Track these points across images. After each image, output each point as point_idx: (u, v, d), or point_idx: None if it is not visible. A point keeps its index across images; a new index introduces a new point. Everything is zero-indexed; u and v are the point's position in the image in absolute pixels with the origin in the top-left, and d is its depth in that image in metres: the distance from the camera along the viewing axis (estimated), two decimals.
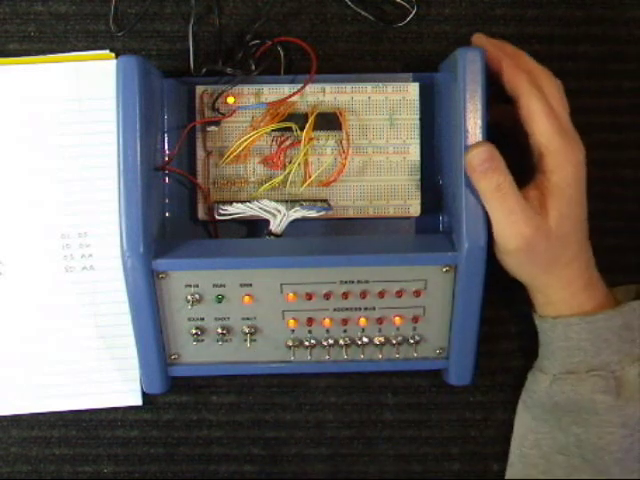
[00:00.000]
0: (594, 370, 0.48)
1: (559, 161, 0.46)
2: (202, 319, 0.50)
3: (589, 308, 0.48)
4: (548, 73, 0.48)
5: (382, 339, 0.50)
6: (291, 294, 0.49)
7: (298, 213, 0.50)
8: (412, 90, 0.52)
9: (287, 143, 0.51)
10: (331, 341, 0.50)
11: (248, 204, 0.50)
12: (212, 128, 0.51)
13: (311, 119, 0.50)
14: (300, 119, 0.51)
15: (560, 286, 0.48)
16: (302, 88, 0.50)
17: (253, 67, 0.51)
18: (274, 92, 0.51)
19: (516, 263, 0.48)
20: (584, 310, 0.48)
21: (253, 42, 0.52)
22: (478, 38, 0.49)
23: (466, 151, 0.46)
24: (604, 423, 0.47)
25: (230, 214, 0.50)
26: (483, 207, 0.46)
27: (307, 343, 0.50)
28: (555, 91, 0.48)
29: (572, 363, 0.48)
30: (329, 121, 0.51)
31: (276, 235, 0.50)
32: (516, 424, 0.53)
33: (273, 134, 0.51)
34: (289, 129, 0.51)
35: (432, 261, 0.48)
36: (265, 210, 0.50)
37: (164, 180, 0.52)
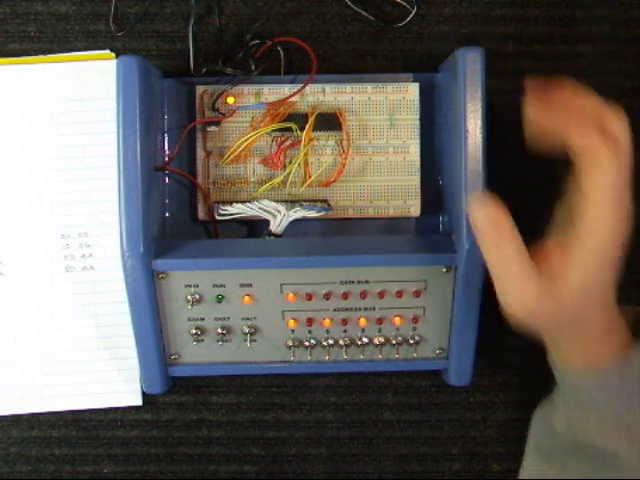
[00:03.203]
0: (607, 420, 0.44)
1: (602, 233, 0.40)
2: (202, 319, 0.50)
3: (603, 359, 0.44)
4: (616, 114, 0.41)
5: (382, 339, 0.51)
6: (291, 294, 0.49)
7: (298, 213, 0.50)
8: (412, 90, 0.52)
9: (287, 143, 0.51)
10: (331, 341, 0.50)
11: (248, 204, 0.50)
12: (212, 128, 0.51)
13: (311, 119, 0.50)
14: (300, 119, 0.51)
15: (575, 344, 0.45)
16: (302, 88, 0.50)
17: (253, 67, 0.51)
18: (274, 92, 0.51)
19: (520, 324, 0.43)
20: (597, 361, 0.44)
21: (253, 42, 0.52)
22: (531, 84, 0.42)
23: (468, 205, 0.43)
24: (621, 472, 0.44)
25: (230, 214, 0.50)
26: None
27: (307, 343, 0.50)
28: (624, 139, 0.40)
29: (585, 411, 0.45)
30: (329, 121, 0.51)
31: (276, 235, 0.50)
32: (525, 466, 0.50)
33: (273, 134, 0.51)
34: (289, 129, 0.51)
35: (432, 261, 0.48)
36: (265, 210, 0.50)
37: (164, 180, 0.52)
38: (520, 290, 0.41)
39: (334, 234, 0.53)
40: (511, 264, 0.41)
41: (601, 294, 0.43)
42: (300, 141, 0.51)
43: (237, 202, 0.50)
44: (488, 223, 0.42)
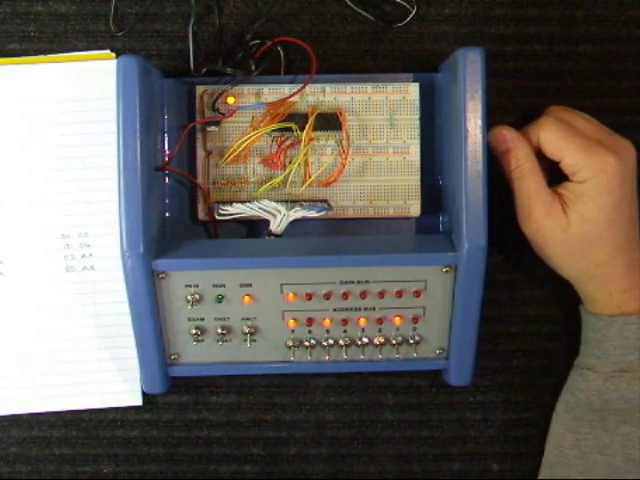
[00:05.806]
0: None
1: (589, 173, 0.46)
2: (202, 319, 0.50)
3: (630, 310, 0.48)
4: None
5: (382, 339, 0.50)
6: (291, 294, 0.49)
7: (298, 213, 0.50)
8: (412, 90, 0.52)
9: (287, 143, 0.51)
10: (331, 341, 0.50)
11: (248, 204, 0.50)
12: (212, 128, 0.51)
13: (311, 119, 0.50)
14: (300, 119, 0.51)
15: (597, 286, 0.49)
16: (302, 88, 0.50)
17: (253, 67, 0.51)
18: (274, 92, 0.51)
19: (536, 248, 0.49)
20: (623, 311, 0.48)
21: (253, 42, 0.52)
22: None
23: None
24: None
25: (230, 214, 0.50)
26: (483, 207, 0.46)
27: (307, 343, 0.50)
28: (571, 114, 0.49)
29: (626, 362, 0.48)
30: (329, 121, 0.51)
31: (276, 235, 0.50)
32: (553, 424, 0.52)
33: (273, 134, 0.51)
34: (289, 129, 0.51)
35: (432, 261, 0.48)
36: (265, 210, 0.50)
37: (164, 180, 0.52)
38: (533, 208, 0.47)
39: (334, 234, 0.53)
40: (529, 184, 0.48)
41: (610, 231, 0.47)
42: (300, 141, 0.51)
43: (237, 202, 0.50)
44: (509, 147, 0.47)
